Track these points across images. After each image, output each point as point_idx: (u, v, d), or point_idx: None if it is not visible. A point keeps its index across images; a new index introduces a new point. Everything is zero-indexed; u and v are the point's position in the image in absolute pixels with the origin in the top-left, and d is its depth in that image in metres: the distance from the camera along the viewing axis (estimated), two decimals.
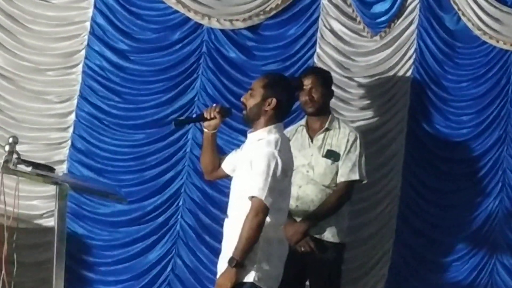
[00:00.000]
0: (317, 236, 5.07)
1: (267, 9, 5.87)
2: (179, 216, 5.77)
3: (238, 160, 4.31)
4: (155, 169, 5.73)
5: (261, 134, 4.16)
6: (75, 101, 5.64)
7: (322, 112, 5.24)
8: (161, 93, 5.75)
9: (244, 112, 4.26)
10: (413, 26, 6.13)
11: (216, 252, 4.45)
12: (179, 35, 5.79)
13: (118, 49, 5.70)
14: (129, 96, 5.72)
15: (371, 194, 5.99)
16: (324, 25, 6.00)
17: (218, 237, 4.63)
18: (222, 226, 4.29)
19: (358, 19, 6.02)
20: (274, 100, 4.18)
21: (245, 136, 4.34)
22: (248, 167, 4.07)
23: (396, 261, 6.10)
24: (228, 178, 4.47)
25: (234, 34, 5.87)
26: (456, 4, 6.13)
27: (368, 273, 6.07)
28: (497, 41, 6.20)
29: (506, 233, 6.25)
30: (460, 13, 6.16)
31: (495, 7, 6.15)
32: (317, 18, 5.98)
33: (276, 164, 4.02)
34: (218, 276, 4.13)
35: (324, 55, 5.99)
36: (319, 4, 5.98)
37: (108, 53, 5.68)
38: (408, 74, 6.13)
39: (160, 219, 5.74)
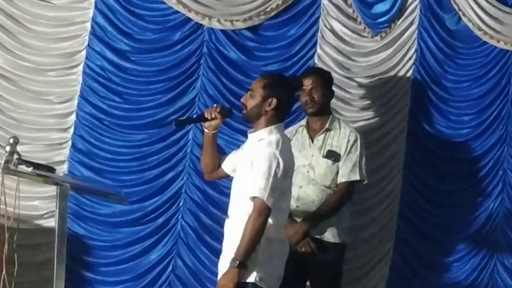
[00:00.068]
0: (317, 236, 5.07)
1: (268, 9, 5.87)
2: (179, 217, 5.77)
3: (239, 160, 4.31)
4: (155, 170, 5.74)
5: (262, 134, 4.16)
6: (75, 102, 5.65)
7: (323, 112, 5.24)
8: (162, 93, 5.75)
9: (244, 112, 4.26)
10: (414, 26, 6.13)
11: (217, 253, 4.45)
12: (180, 36, 5.79)
13: (119, 50, 5.70)
14: (129, 97, 5.72)
15: (372, 195, 5.99)
16: (325, 25, 6.00)
17: (218, 237, 4.63)
18: (222, 226, 4.29)
19: (359, 19, 6.02)
20: (275, 100, 4.18)
21: (246, 136, 4.34)
22: (249, 167, 4.07)
23: (397, 261, 6.10)
24: (228, 178, 4.48)
25: (234, 34, 5.87)
26: (457, 4, 6.13)
27: (369, 273, 6.06)
28: (498, 41, 6.19)
29: (506, 233, 6.24)
30: (460, 13, 6.15)
31: (496, 7, 6.14)
32: (317, 19, 5.98)
33: (278, 164, 4.02)
34: (219, 276, 4.13)
35: (324, 56, 5.99)
36: (320, 4, 5.98)
37: (109, 54, 5.68)
38: (409, 74, 6.12)
39: (161, 220, 5.74)
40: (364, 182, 5.25)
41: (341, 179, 5.13)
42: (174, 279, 5.75)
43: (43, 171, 3.81)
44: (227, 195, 4.36)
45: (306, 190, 5.09)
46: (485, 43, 6.22)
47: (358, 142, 5.19)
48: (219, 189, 5.60)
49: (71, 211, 5.37)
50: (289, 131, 5.04)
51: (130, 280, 5.71)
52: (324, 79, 5.29)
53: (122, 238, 5.71)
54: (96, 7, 5.66)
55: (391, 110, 6.09)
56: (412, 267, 6.13)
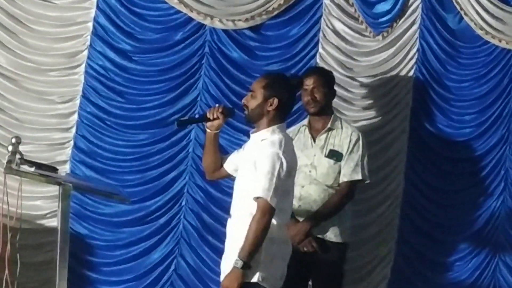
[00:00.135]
0: (320, 236, 5.07)
1: (270, 9, 5.87)
2: (181, 216, 5.78)
3: (240, 160, 4.31)
4: (157, 169, 5.74)
5: (264, 134, 4.16)
6: (77, 102, 5.65)
7: (325, 112, 5.24)
8: (164, 93, 5.75)
9: (246, 113, 4.26)
10: (416, 26, 6.13)
11: (219, 252, 4.45)
12: (182, 35, 5.79)
13: (121, 50, 5.70)
14: (131, 97, 5.72)
15: (374, 194, 5.99)
16: (327, 25, 6.00)
17: (221, 237, 4.64)
18: (225, 226, 4.29)
19: (361, 19, 6.02)
20: (276, 100, 4.18)
21: (248, 135, 4.34)
22: (252, 167, 4.07)
23: (399, 261, 6.10)
24: (230, 178, 4.48)
25: (236, 34, 5.87)
26: (458, 4, 6.13)
27: (371, 272, 6.07)
28: (500, 41, 6.19)
29: (508, 232, 6.25)
30: (462, 12, 6.16)
31: (498, 6, 6.15)
32: (319, 18, 5.98)
33: (281, 164, 4.02)
34: (222, 276, 4.13)
35: (326, 55, 5.99)
36: (321, 4, 5.98)
37: (111, 54, 5.68)
38: (411, 73, 6.12)
39: (163, 219, 5.74)
40: (366, 182, 5.26)
41: (343, 178, 5.13)
42: (176, 279, 5.75)
43: (45, 171, 3.80)
44: (229, 195, 4.37)
45: (308, 190, 5.09)
46: (486, 42, 6.22)
47: (360, 141, 5.19)
48: (221, 188, 5.61)
49: (73, 210, 5.38)
50: (291, 131, 5.04)
51: (132, 280, 5.71)
52: (326, 78, 5.29)
53: (124, 237, 5.71)
54: (98, 7, 5.65)
55: (393, 110, 6.10)
56: (414, 267, 6.14)
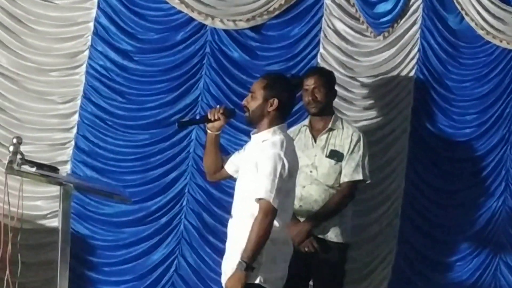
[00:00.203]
0: (320, 236, 5.08)
1: (271, 9, 5.87)
2: (182, 217, 5.78)
3: (241, 161, 4.31)
4: (158, 170, 5.74)
5: (265, 135, 4.16)
6: (78, 102, 5.65)
7: (325, 112, 5.24)
8: (165, 93, 5.76)
9: (247, 114, 4.26)
10: (417, 26, 6.13)
11: (220, 253, 4.45)
12: (183, 36, 5.79)
13: (122, 50, 5.71)
14: (132, 97, 5.72)
15: (375, 194, 5.99)
16: (328, 25, 6.00)
17: (222, 237, 4.64)
18: (226, 226, 4.29)
19: (362, 19, 6.02)
20: (276, 101, 4.18)
21: (249, 136, 4.34)
22: (253, 168, 4.07)
23: (400, 261, 6.10)
24: (232, 178, 4.48)
25: (237, 34, 5.87)
26: (460, 4, 6.12)
27: (372, 273, 6.06)
28: (501, 41, 6.19)
29: (509, 232, 6.24)
30: (463, 12, 6.15)
31: (499, 6, 6.14)
32: (320, 18, 5.98)
33: (283, 165, 4.02)
34: (222, 277, 4.14)
35: (327, 55, 5.99)
36: (322, 4, 5.98)
37: (112, 54, 5.69)
38: (412, 73, 6.12)
39: (164, 220, 5.74)
40: (367, 182, 5.26)
41: (344, 179, 5.13)
42: (177, 279, 5.75)
43: (46, 171, 3.80)
44: (230, 195, 4.37)
45: (309, 190, 5.09)
46: (487, 42, 6.22)
47: (361, 141, 5.19)
48: (222, 189, 5.60)
49: (74, 211, 5.38)
50: (291, 131, 5.05)
51: (133, 280, 5.72)
52: (327, 78, 5.29)
53: (125, 238, 5.71)
54: (99, 7, 5.66)
55: (394, 110, 6.09)
56: (414, 267, 6.13)
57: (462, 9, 6.13)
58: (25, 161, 3.73)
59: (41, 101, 5.60)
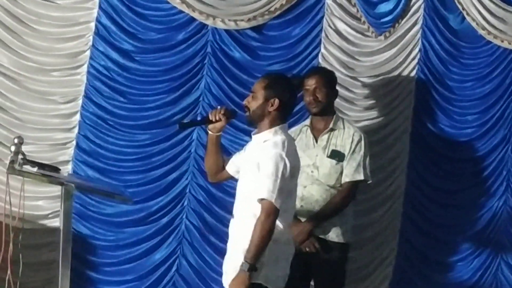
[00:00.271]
0: (321, 236, 5.08)
1: (272, 9, 5.87)
2: (184, 216, 5.78)
3: (242, 161, 4.31)
4: (160, 170, 5.74)
5: (266, 135, 4.16)
6: (80, 102, 5.65)
7: (327, 112, 5.24)
8: (166, 93, 5.75)
9: (248, 114, 4.25)
10: (418, 26, 6.13)
11: (221, 252, 4.45)
12: (184, 35, 5.79)
13: (123, 50, 5.70)
14: (134, 97, 5.72)
15: (376, 194, 5.99)
16: (329, 25, 6.00)
17: (223, 237, 4.64)
18: (227, 226, 4.29)
19: (363, 19, 6.02)
20: (277, 101, 4.17)
21: (250, 136, 4.33)
22: (254, 168, 4.06)
23: (400, 261, 6.10)
24: (233, 179, 4.47)
25: (238, 34, 5.87)
26: (461, 4, 6.13)
27: (372, 273, 6.07)
28: (502, 41, 6.19)
29: (510, 232, 6.25)
30: (464, 12, 6.15)
31: (500, 6, 6.14)
32: (321, 18, 5.98)
33: (285, 165, 4.02)
34: (224, 277, 4.15)
35: (328, 55, 5.99)
36: (324, 4, 5.98)
37: (113, 54, 5.68)
38: (413, 74, 6.12)
39: (165, 220, 5.74)
40: (368, 182, 5.26)
41: (345, 179, 5.13)
42: (178, 279, 5.75)
43: (48, 171, 3.81)
44: (232, 195, 4.37)
45: (310, 190, 5.09)
46: (489, 42, 6.22)
47: (362, 141, 5.19)
48: (223, 189, 5.60)
49: (75, 211, 5.35)
50: (293, 131, 5.05)
51: (135, 280, 5.72)
52: (328, 78, 5.29)
53: (126, 238, 5.71)
54: (100, 7, 5.65)
55: (395, 110, 6.09)
56: (415, 267, 6.14)
57: (463, 9, 6.13)
58: (27, 161, 3.74)
59: (43, 101, 5.60)
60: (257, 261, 3.96)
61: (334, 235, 5.11)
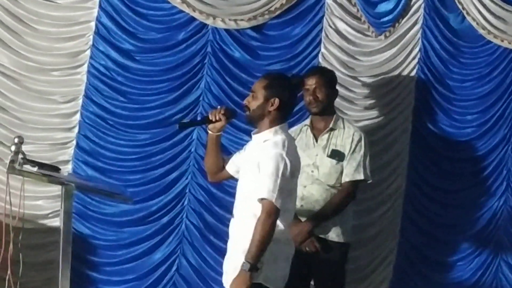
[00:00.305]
0: (321, 236, 5.08)
1: (272, 8, 5.87)
2: (184, 216, 5.78)
3: (242, 161, 4.31)
4: (160, 169, 5.74)
5: (266, 135, 4.16)
6: (80, 101, 5.65)
7: (327, 112, 5.24)
8: (166, 93, 5.75)
9: (248, 114, 4.25)
10: (418, 26, 6.13)
11: (221, 252, 4.45)
12: (184, 35, 5.79)
13: (123, 49, 5.70)
14: (134, 96, 5.72)
15: (376, 194, 5.99)
16: (329, 25, 6.00)
17: (223, 237, 4.64)
18: (227, 226, 4.29)
19: (363, 18, 6.02)
20: (277, 100, 4.17)
21: (250, 136, 4.33)
22: (255, 168, 4.06)
23: (401, 261, 6.10)
24: (233, 179, 4.47)
25: (238, 33, 5.87)
26: (461, 4, 6.13)
27: (373, 272, 6.07)
28: (502, 41, 6.19)
29: (510, 232, 6.25)
30: (464, 12, 6.15)
31: (500, 6, 6.14)
32: (321, 18, 5.98)
33: (285, 165, 4.02)
34: (224, 277, 4.15)
35: (328, 55, 5.99)
36: (324, 3, 5.98)
37: (113, 53, 5.68)
38: (413, 73, 6.12)
39: (165, 219, 5.74)
40: (368, 182, 5.26)
41: (345, 178, 5.13)
42: (178, 279, 5.75)
43: (48, 171, 3.81)
44: (232, 195, 4.37)
45: (310, 190, 5.09)
46: (489, 42, 6.22)
47: (362, 141, 5.19)
48: (223, 188, 5.60)
49: (75, 210, 5.36)
50: (293, 131, 5.05)
51: (135, 280, 5.72)
52: (328, 78, 5.29)
53: (126, 237, 5.71)
54: (100, 6, 5.65)
55: (395, 109, 6.10)
56: (415, 266, 6.14)
57: (464, 8, 6.13)
58: (27, 161, 3.74)
59: (43, 101, 5.60)
60: (258, 261, 3.95)
61: (334, 234, 5.11)
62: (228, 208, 4.50)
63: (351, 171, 5.13)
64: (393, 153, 6.09)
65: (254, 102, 4.21)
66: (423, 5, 6.11)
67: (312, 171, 5.11)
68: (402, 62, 6.11)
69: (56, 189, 5.11)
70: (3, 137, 5.45)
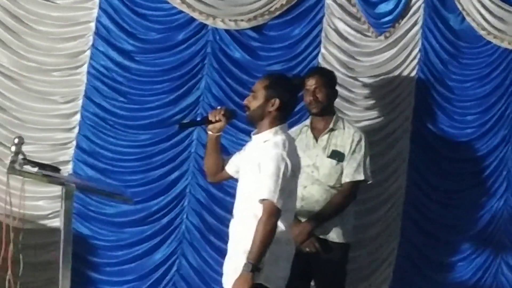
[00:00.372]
0: (322, 236, 5.08)
1: (272, 9, 5.87)
2: (184, 217, 5.78)
3: (242, 161, 4.31)
4: (160, 170, 5.73)
5: (266, 135, 4.16)
6: (80, 102, 5.64)
7: (327, 112, 5.24)
8: (166, 93, 5.75)
9: (248, 114, 4.25)
10: (418, 26, 6.14)
11: (222, 253, 4.45)
12: (184, 36, 5.79)
13: (123, 50, 5.70)
14: (134, 97, 5.71)
15: (376, 194, 6.00)
16: (329, 25, 6.00)
17: (223, 237, 4.64)
18: (227, 226, 4.28)
19: (363, 19, 6.02)
20: (277, 101, 4.17)
21: (250, 136, 4.33)
22: (255, 169, 4.05)
23: (401, 261, 6.11)
24: (232, 179, 4.47)
25: (238, 34, 5.87)
26: (461, 4, 6.13)
27: (373, 273, 6.07)
28: (502, 41, 6.20)
29: (511, 232, 6.25)
30: (464, 13, 6.16)
31: (500, 6, 6.15)
32: (321, 18, 5.99)
33: (286, 165, 4.02)
34: (224, 277, 4.15)
35: (328, 55, 5.99)
36: (324, 4, 5.98)
37: (113, 54, 5.68)
38: (413, 74, 6.13)
39: (165, 220, 5.74)
40: (369, 182, 5.26)
41: (346, 179, 5.13)
42: (178, 279, 5.75)
43: (48, 171, 3.81)
44: (232, 195, 4.37)
45: (311, 190, 5.09)
46: (489, 42, 6.23)
47: (363, 142, 5.19)
48: (223, 189, 5.59)
49: (75, 211, 5.34)
50: (293, 131, 5.04)
51: (135, 280, 5.71)
52: (328, 79, 5.29)
53: (126, 238, 5.71)
54: (100, 7, 5.64)
55: (395, 110, 6.10)
56: (416, 267, 6.15)
57: (463, 9, 6.14)
58: (27, 161, 3.74)
59: (43, 101, 5.60)
60: (259, 262, 3.94)
61: (334, 235, 5.11)
62: (228, 209, 4.50)
63: (351, 171, 5.13)
64: (393, 153, 6.09)
65: (254, 102, 4.21)
66: (423, 6, 6.12)
67: (312, 172, 5.11)
68: (402, 62, 6.12)
69: (57, 190, 5.10)
70: (3, 138, 5.44)
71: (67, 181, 3.89)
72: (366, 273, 6.03)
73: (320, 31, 5.99)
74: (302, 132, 5.26)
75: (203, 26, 5.81)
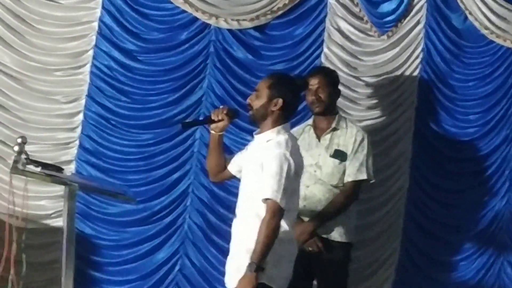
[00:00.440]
0: (324, 235, 5.07)
1: (274, 8, 5.87)
2: (186, 216, 5.78)
3: (244, 161, 4.30)
4: (162, 169, 5.74)
5: (269, 135, 4.16)
6: (82, 101, 5.65)
7: (329, 111, 5.24)
8: (169, 93, 5.76)
9: (251, 113, 4.25)
10: (420, 26, 6.14)
11: (224, 252, 4.44)
12: (187, 35, 5.79)
13: (126, 49, 5.71)
14: (136, 96, 5.72)
15: (378, 194, 6.00)
16: (331, 25, 6.00)
17: (226, 237, 4.64)
18: (230, 226, 4.29)
19: (365, 18, 6.02)
20: (280, 100, 4.17)
21: (253, 136, 4.33)
22: (258, 168, 4.05)
23: (403, 261, 6.11)
24: (235, 178, 4.47)
25: (241, 34, 5.88)
26: (463, 3, 6.13)
27: (375, 272, 6.07)
28: (504, 40, 6.19)
29: None
30: (467, 12, 6.16)
31: (502, 6, 6.15)
32: (324, 18, 5.99)
33: (289, 165, 4.02)
34: (226, 277, 4.15)
35: (331, 55, 5.99)
36: (326, 3, 5.98)
37: (116, 53, 5.69)
38: (415, 73, 6.13)
39: (168, 219, 5.75)
40: (371, 182, 5.26)
41: (348, 178, 5.13)
42: (181, 279, 5.75)
43: (51, 171, 3.82)
44: (234, 195, 4.37)
45: (313, 190, 5.09)
46: (491, 42, 6.23)
47: (365, 141, 5.19)
48: (226, 188, 5.59)
49: (78, 210, 5.35)
50: (295, 131, 5.04)
51: (137, 280, 5.72)
52: (330, 78, 5.29)
53: (129, 237, 5.71)
54: (103, 6, 5.65)
55: (398, 109, 6.10)
56: (418, 266, 6.14)
57: (466, 8, 6.14)
58: (30, 161, 3.74)
59: (45, 101, 5.61)
60: (263, 262, 3.94)
61: (337, 234, 5.10)
62: (231, 208, 4.49)
63: (354, 171, 5.12)
64: (395, 153, 6.09)
65: (257, 101, 4.21)
66: (425, 5, 6.12)
67: (315, 171, 5.11)
68: (405, 62, 6.12)
69: (59, 189, 5.11)
70: (6, 137, 5.45)
71: (70, 181, 3.89)
72: (368, 272, 6.03)
73: (323, 30, 5.99)
74: (304, 131, 5.26)
75: (206, 25, 5.81)
